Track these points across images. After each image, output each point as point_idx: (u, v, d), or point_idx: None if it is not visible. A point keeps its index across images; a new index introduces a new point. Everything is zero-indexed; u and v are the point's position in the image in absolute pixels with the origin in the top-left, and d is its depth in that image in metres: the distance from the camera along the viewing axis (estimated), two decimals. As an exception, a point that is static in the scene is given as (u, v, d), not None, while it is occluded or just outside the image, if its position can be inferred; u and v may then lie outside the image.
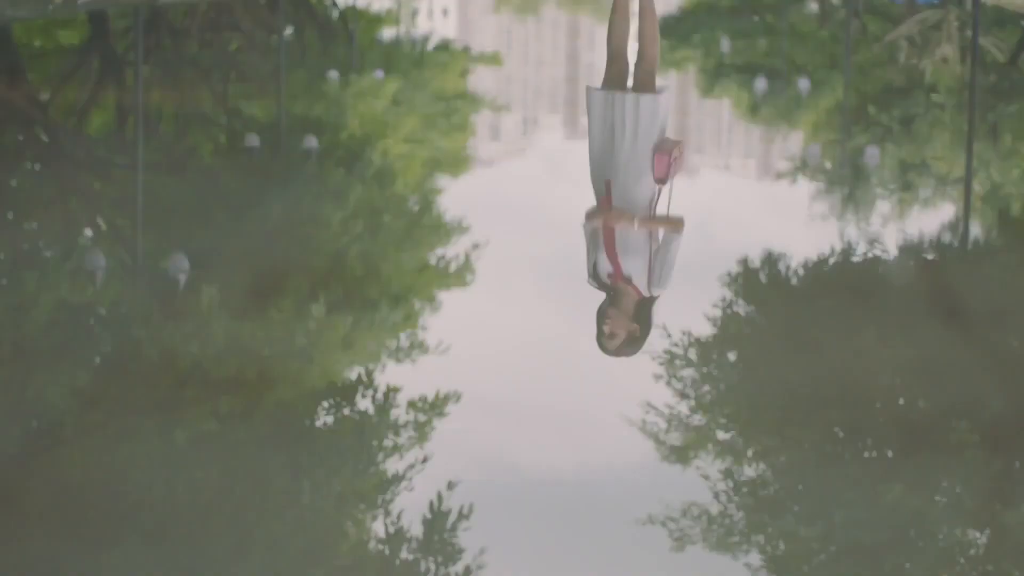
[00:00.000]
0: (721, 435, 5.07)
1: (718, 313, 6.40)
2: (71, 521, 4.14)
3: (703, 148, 12.15)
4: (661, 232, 6.47)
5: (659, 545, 4.13)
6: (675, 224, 6.55)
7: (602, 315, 5.67)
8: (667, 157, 6.70)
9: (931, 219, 8.49)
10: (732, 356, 6.08)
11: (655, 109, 7.05)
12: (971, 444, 4.87)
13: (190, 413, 5.02)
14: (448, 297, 6.82)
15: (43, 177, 9.07)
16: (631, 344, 5.66)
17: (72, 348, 5.78)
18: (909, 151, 10.60)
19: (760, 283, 7.04)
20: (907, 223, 8.36)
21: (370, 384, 5.41)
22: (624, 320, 5.73)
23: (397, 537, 4.16)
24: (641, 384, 5.43)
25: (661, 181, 6.69)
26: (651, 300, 5.98)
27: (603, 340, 5.52)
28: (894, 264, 7.39)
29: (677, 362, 5.71)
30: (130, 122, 10.81)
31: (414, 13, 22.62)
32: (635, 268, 6.15)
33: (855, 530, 4.19)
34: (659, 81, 7.45)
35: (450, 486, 4.41)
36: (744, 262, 7.20)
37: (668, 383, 5.49)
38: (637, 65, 7.58)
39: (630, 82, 7.54)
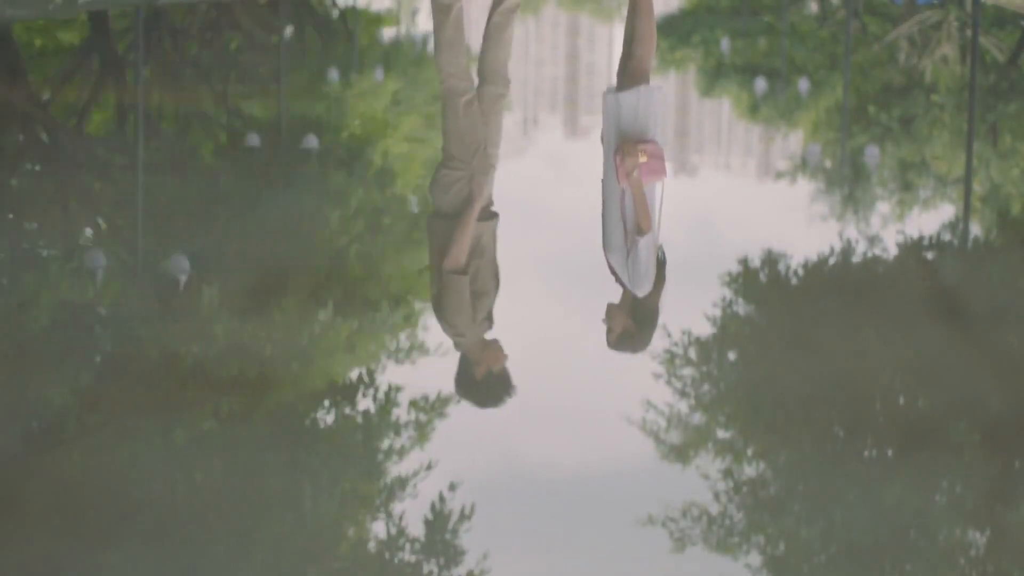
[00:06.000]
0: (721, 435, 5.07)
1: (718, 313, 6.40)
2: (71, 521, 4.14)
3: (703, 148, 12.15)
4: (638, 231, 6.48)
5: (660, 545, 4.13)
6: (640, 226, 6.55)
7: (607, 309, 5.79)
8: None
9: (931, 219, 8.48)
10: (732, 356, 6.08)
11: (635, 105, 7.06)
12: (971, 444, 4.87)
13: (190, 413, 5.02)
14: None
15: (43, 177, 9.06)
16: (628, 340, 5.71)
17: (72, 348, 5.78)
18: (909, 151, 10.60)
19: (760, 283, 7.04)
20: (907, 223, 8.36)
21: (371, 384, 5.41)
22: (621, 315, 5.79)
23: (399, 538, 4.16)
24: (641, 383, 5.43)
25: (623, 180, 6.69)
26: (648, 299, 6.01)
27: (606, 334, 5.69)
28: (894, 264, 7.39)
29: (677, 362, 5.72)
30: (130, 122, 10.80)
31: (414, 13, 22.61)
32: (618, 264, 6.23)
33: (855, 530, 4.19)
34: (653, 80, 7.47)
35: (452, 487, 4.41)
36: (744, 262, 7.20)
37: (668, 383, 5.49)
38: (626, 63, 7.62)
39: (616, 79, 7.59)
